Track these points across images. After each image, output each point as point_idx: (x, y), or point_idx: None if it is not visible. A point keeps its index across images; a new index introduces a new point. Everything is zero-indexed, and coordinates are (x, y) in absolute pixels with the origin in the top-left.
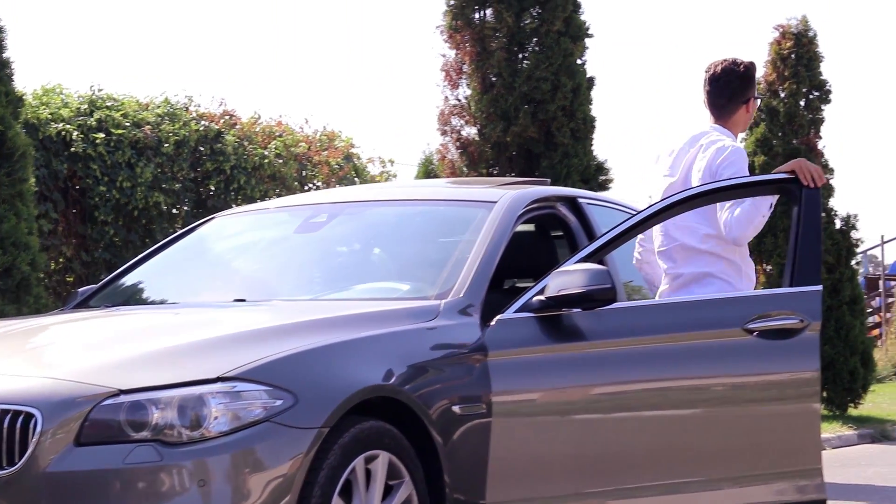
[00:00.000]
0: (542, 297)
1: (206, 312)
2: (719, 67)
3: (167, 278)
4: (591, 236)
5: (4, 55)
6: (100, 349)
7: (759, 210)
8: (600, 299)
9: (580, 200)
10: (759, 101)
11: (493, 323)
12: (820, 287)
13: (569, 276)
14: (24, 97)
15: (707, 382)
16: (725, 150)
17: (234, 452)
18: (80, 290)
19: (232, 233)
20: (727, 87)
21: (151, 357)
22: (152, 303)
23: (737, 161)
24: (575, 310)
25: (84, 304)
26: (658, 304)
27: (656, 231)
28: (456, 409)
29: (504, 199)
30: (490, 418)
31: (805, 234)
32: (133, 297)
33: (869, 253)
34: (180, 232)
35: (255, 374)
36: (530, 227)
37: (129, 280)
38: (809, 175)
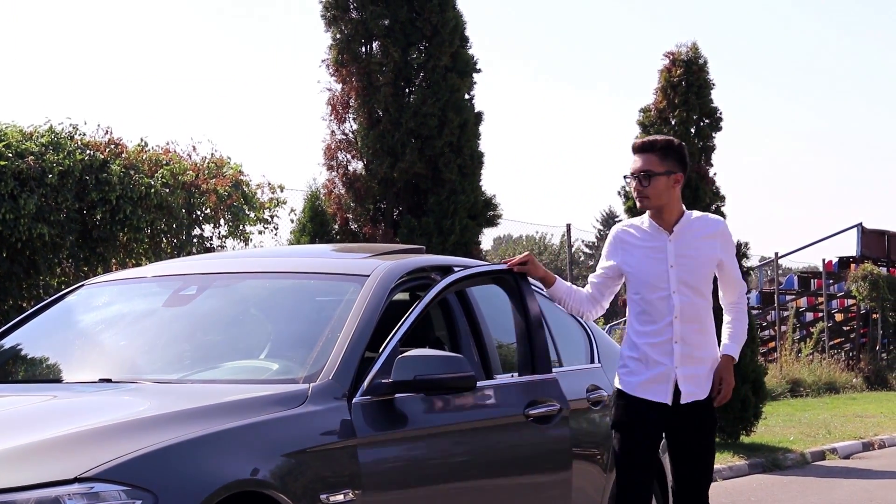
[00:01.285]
0: (389, 380)
1: (69, 397)
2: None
3: (33, 351)
4: (467, 305)
5: None
6: None
7: None
8: (462, 387)
9: (455, 269)
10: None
11: (353, 405)
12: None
13: (424, 362)
14: None
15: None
16: None
17: None
18: None
19: (100, 304)
20: None
21: (11, 454)
22: (14, 382)
23: None
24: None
25: None
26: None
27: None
28: (325, 497)
29: (377, 271)
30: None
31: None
32: None
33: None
34: (48, 300)
35: (114, 473)
36: (405, 297)
37: None
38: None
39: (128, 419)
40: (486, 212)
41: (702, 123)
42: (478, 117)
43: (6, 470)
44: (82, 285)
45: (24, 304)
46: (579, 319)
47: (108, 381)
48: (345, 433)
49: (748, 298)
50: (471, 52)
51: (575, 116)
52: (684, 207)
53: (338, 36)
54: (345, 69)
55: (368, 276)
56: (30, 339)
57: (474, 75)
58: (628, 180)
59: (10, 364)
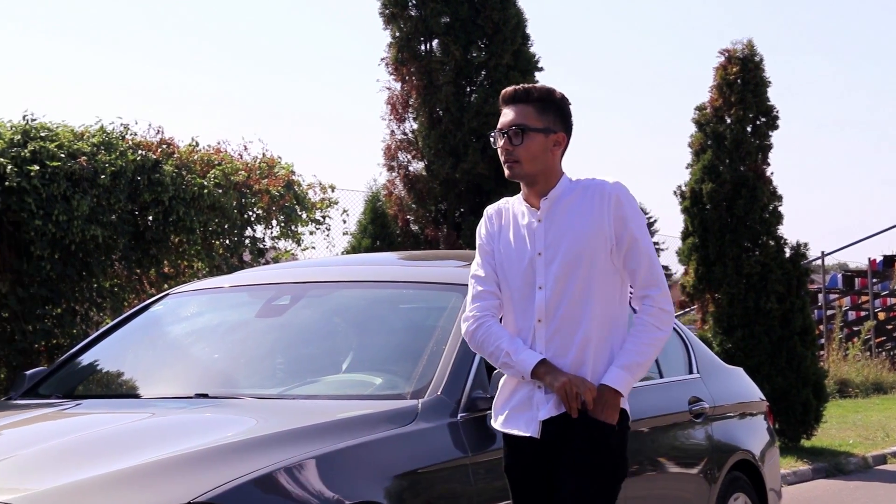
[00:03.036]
0: (487, 396)
1: (168, 415)
2: None
3: (122, 364)
4: None
5: None
6: (57, 466)
7: None
8: None
9: None
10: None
11: (460, 421)
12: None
13: None
14: None
15: None
16: None
17: None
18: (29, 373)
19: (188, 314)
20: None
21: (113, 479)
22: (108, 396)
23: None
24: None
25: (33, 391)
26: None
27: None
28: None
29: None
30: None
31: None
32: (87, 386)
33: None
34: (132, 311)
35: (227, 498)
36: None
37: (80, 364)
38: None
39: (236, 440)
40: None
41: (758, 122)
42: None
43: (115, 494)
44: (168, 294)
45: (77, 307)
46: (677, 329)
47: (205, 396)
48: (457, 452)
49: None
50: (532, 49)
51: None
52: (568, 179)
53: (397, 34)
54: (405, 68)
55: None
56: (117, 351)
57: (536, 73)
58: (493, 137)
59: (100, 378)
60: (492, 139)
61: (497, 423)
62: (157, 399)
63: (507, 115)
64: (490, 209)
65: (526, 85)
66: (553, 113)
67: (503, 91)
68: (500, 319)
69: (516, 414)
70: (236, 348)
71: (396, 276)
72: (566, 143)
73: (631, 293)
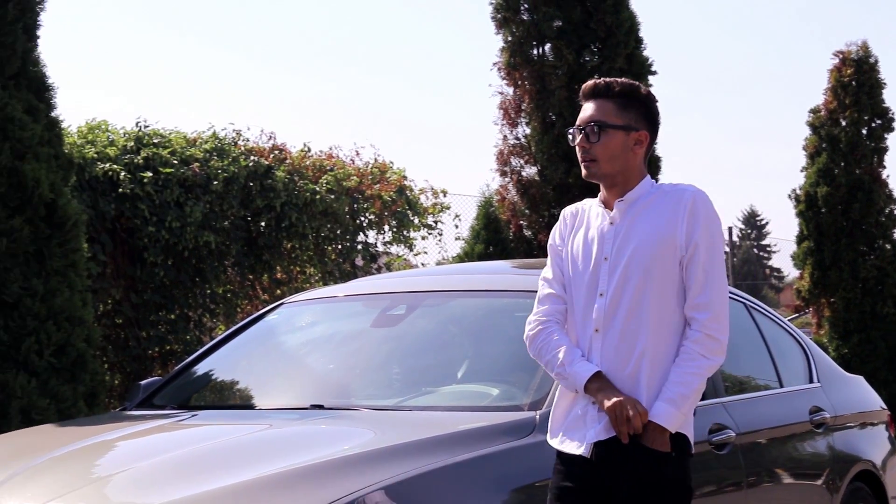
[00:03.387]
0: None
1: (285, 426)
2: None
3: (237, 375)
4: None
5: (53, 113)
6: (175, 479)
7: None
8: None
9: None
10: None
11: None
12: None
13: None
14: (74, 161)
15: None
16: None
17: None
18: (143, 383)
19: (303, 324)
20: None
21: (232, 492)
22: (223, 407)
23: None
24: None
25: (148, 402)
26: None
27: None
28: None
29: None
30: None
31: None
32: (202, 397)
33: None
34: (246, 321)
35: None
36: None
37: (195, 374)
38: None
39: (353, 452)
40: None
41: (874, 124)
42: None
43: None
44: (282, 303)
45: (191, 313)
46: (797, 336)
47: (320, 407)
48: None
49: None
50: (645, 53)
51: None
52: (651, 182)
53: (509, 38)
54: (517, 72)
55: None
56: (232, 361)
57: (649, 77)
58: (572, 134)
59: (215, 389)
60: (570, 136)
61: (554, 441)
62: (272, 410)
63: (586, 110)
64: (567, 210)
65: (608, 79)
66: (636, 109)
67: (584, 85)
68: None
69: (571, 431)
70: (351, 358)
71: (512, 285)
72: (649, 142)
73: None
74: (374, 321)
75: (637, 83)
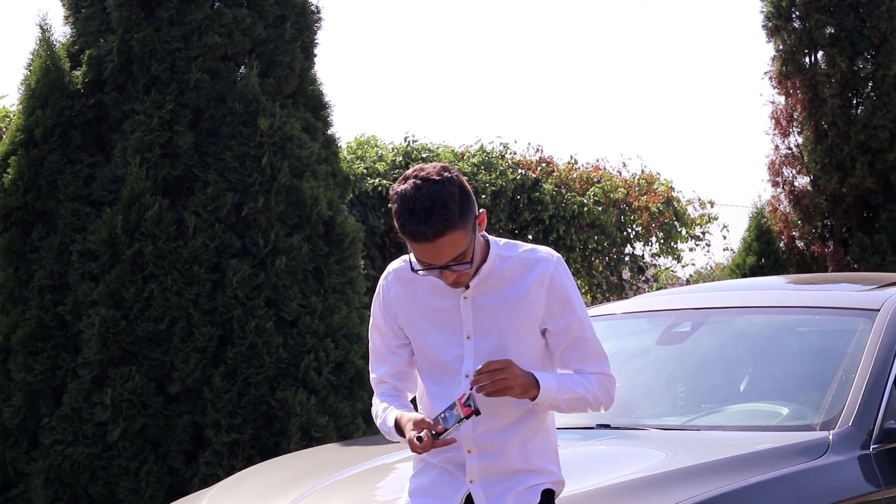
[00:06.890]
0: None
1: (570, 446)
2: None
3: None
4: None
5: (330, 131)
6: None
7: None
8: None
9: None
10: None
11: (872, 453)
12: None
13: None
14: (350, 178)
15: None
16: None
17: None
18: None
19: None
20: None
21: None
22: None
23: None
24: None
25: None
26: None
27: None
28: None
29: (888, 304)
30: None
31: None
32: None
33: None
34: None
35: None
36: None
37: None
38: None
39: (645, 474)
40: None
41: None
42: None
43: None
44: None
45: None
46: None
47: (607, 426)
48: (869, 486)
49: None
50: None
51: None
52: (490, 243)
53: (781, 47)
54: (789, 81)
55: (878, 310)
56: None
57: None
58: (423, 274)
59: None
60: (421, 273)
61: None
62: (558, 430)
63: (433, 252)
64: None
65: (432, 219)
66: (467, 208)
67: (413, 229)
68: None
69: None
70: (637, 377)
71: (799, 301)
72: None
73: None
74: (660, 338)
75: (446, 186)
